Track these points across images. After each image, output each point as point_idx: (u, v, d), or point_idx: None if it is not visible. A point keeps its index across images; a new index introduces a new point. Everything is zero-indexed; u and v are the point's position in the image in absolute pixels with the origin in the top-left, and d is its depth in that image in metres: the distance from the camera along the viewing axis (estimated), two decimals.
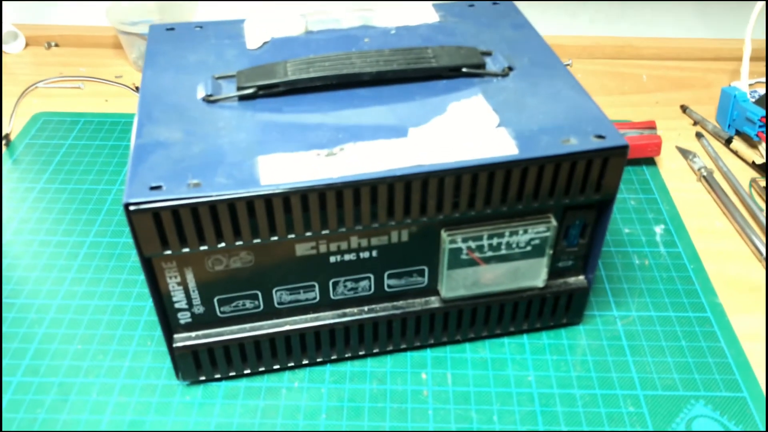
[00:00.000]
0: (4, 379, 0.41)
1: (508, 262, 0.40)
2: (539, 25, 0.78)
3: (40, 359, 0.43)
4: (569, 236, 0.40)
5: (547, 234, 0.39)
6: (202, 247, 0.34)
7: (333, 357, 0.42)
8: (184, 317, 0.38)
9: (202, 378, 0.41)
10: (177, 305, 0.38)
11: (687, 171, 0.60)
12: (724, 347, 0.44)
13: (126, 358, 0.43)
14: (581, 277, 0.43)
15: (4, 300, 0.47)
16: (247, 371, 0.41)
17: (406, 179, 0.34)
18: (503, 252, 0.39)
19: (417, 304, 0.41)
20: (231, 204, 0.33)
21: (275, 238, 0.35)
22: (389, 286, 0.40)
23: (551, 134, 0.36)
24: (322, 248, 0.37)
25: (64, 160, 0.60)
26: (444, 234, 0.38)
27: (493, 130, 0.36)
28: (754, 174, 0.59)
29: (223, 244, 0.35)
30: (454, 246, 0.38)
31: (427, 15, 0.47)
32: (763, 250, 0.51)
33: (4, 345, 0.43)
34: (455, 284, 0.40)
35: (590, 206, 0.39)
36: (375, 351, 0.42)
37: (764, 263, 0.50)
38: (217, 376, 0.41)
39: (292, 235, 0.35)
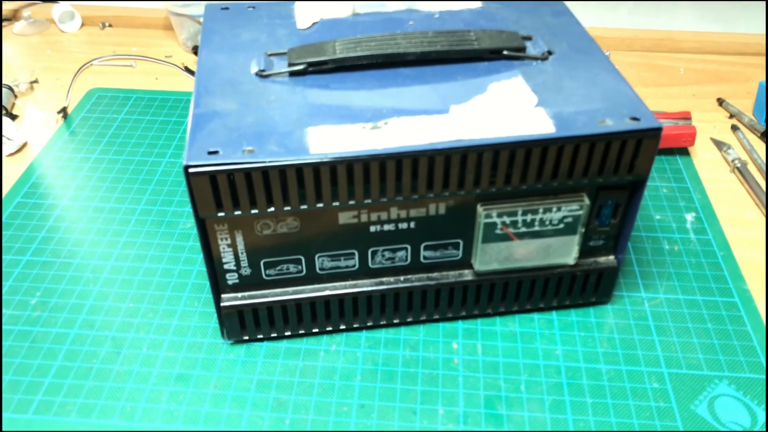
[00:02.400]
0: (63, 330, 0.44)
1: (541, 239, 0.41)
2: (579, 17, 0.78)
3: (95, 315, 0.46)
4: (601, 216, 0.42)
5: (580, 212, 0.40)
6: (253, 211, 0.37)
7: (369, 323, 0.44)
8: (232, 278, 0.41)
9: (246, 337, 0.43)
10: (226, 266, 0.40)
11: (721, 162, 0.61)
12: (750, 331, 0.45)
13: (174, 317, 0.46)
14: (611, 257, 0.44)
15: (62, 259, 0.50)
16: (288, 333, 0.44)
17: (446, 153, 0.36)
18: (536, 228, 0.41)
19: (451, 276, 0.43)
20: (282, 170, 0.35)
21: (321, 205, 0.37)
22: (425, 258, 0.42)
23: (587, 115, 0.38)
24: (363, 218, 0.39)
25: (117, 133, 0.63)
26: (480, 208, 0.40)
27: (531, 109, 0.38)
28: None
29: (272, 209, 0.37)
30: (489, 220, 0.40)
31: (470, 1, 0.49)
32: None
33: (63, 299, 0.47)
34: (488, 258, 0.42)
35: (623, 187, 0.40)
36: (409, 320, 0.44)
37: None
38: (260, 336, 0.43)
39: (336, 203, 0.37)
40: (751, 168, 0.60)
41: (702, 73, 0.74)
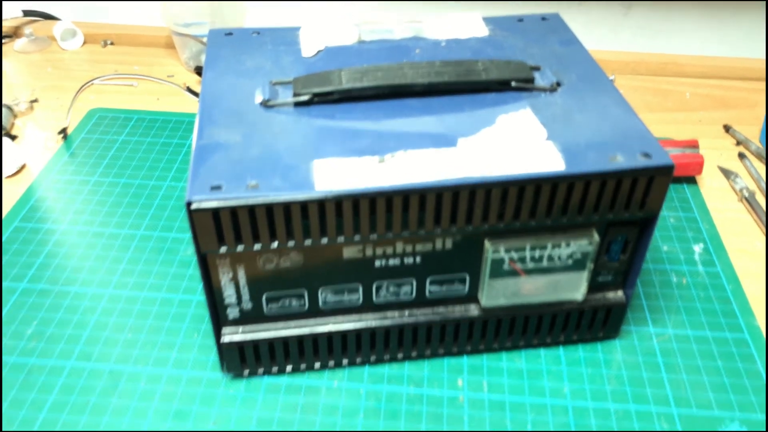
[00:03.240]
0: (59, 361, 0.43)
1: (549, 274, 0.41)
2: (582, 40, 0.77)
3: (93, 346, 0.45)
4: (611, 251, 0.41)
5: (589, 248, 0.39)
6: (256, 246, 0.36)
7: (373, 359, 0.43)
8: (232, 312, 0.40)
9: (246, 372, 0.42)
10: (227, 300, 0.39)
11: (728, 191, 0.60)
12: (761, 369, 0.44)
13: (173, 349, 0.45)
14: (620, 293, 0.43)
15: (60, 286, 0.49)
16: (290, 368, 0.43)
17: (454, 189, 0.35)
18: (545, 264, 0.40)
19: (457, 311, 0.42)
20: (286, 206, 0.34)
21: (325, 240, 0.36)
22: (430, 292, 0.41)
23: (598, 150, 0.37)
24: (369, 252, 0.38)
25: (117, 155, 0.62)
26: (488, 244, 0.39)
27: (541, 143, 0.37)
28: None
29: (276, 244, 0.36)
30: (497, 256, 0.39)
31: (477, 28, 0.48)
32: None
33: (60, 330, 0.46)
34: (496, 293, 0.41)
35: (633, 222, 0.39)
36: (414, 355, 0.43)
37: None
38: (261, 371, 0.42)
39: (342, 239, 0.36)
40: (759, 197, 0.59)
41: (708, 99, 0.73)
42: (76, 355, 0.44)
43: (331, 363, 0.43)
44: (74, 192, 0.58)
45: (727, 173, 0.62)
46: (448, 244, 0.39)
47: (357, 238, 0.37)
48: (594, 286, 0.43)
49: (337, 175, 0.35)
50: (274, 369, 0.42)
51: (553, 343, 0.45)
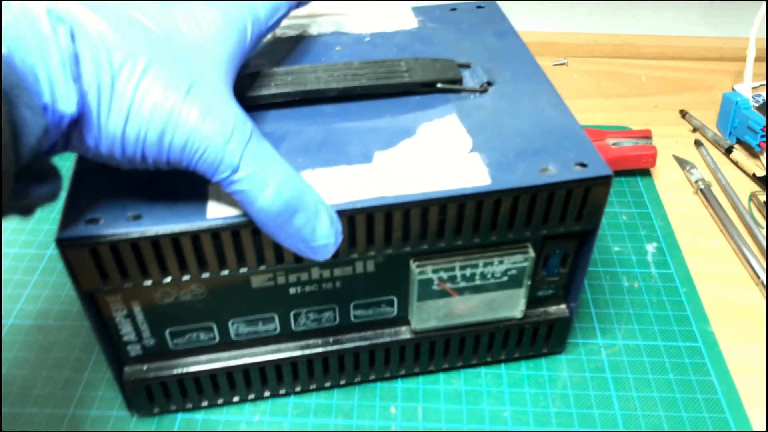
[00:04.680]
0: None
1: (484, 293, 0.37)
2: (535, 19, 0.74)
3: None
4: (549, 265, 0.38)
5: (525, 264, 0.36)
6: (147, 282, 0.32)
7: (297, 389, 0.40)
8: (134, 350, 0.36)
9: (156, 410, 0.38)
10: (126, 338, 0.35)
11: (684, 182, 0.57)
12: (715, 381, 0.41)
13: (79, 386, 0.40)
14: (562, 306, 0.40)
15: None
16: (205, 404, 0.39)
17: (367, 211, 0.31)
18: (477, 283, 0.36)
19: (386, 334, 0.38)
20: (175, 239, 0.30)
21: (226, 272, 0.32)
22: (356, 317, 0.38)
23: (529, 160, 0.33)
24: (281, 280, 0.35)
25: None
26: (413, 265, 0.35)
27: (465, 155, 0.33)
28: (754, 187, 0.56)
29: (168, 279, 0.32)
30: (424, 277, 0.35)
31: (406, 20, 0.44)
32: (762, 274, 0.47)
33: None
34: (426, 315, 0.38)
35: (571, 235, 0.36)
36: (342, 383, 0.40)
37: (763, 288, 0.47)
38: (173, 408, 0.39)
39: (244, 269, 0.32)
40: (716, 189, 0.56)
41: (664, 81, 0.70)
42: None
43: (252, 396, 0.39)
44: None
45: (682, 163, 0.59)
46: (370, 266, 0.35)
47: (262, 267, 0.33)
48: (534, 301, 0.39)
49: (233, 200, 0.31)
50: (188, 405, 0.39)
51: (493, 361, 0.42)
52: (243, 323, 0.36)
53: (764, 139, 0.57)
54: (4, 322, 0.44)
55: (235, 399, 0.39)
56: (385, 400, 0.40)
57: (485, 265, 0.36)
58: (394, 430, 0.39)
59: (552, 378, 0.41)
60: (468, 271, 0.36)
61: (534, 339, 0.41)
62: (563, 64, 0.71)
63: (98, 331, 0.34)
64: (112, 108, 0.26)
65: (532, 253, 0.36)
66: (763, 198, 0.54)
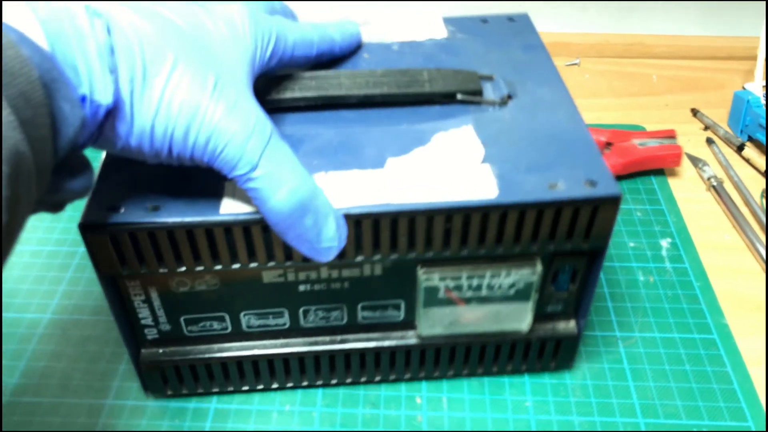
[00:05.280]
0: None
1: (490, 304, 0.38)
2: (547, 20, 0.74)
3: (31, 378, 0.42)
4: (558, 281, 0.38)
5: (533, 279, 0.36)
6: (162, 270, 0.34)
7: (304, 384, 0.41)
8: (150, 333, 0.38)
9: (170, 393, 0.40)
10: (143, 321, 0.37)
11: (696, 180, 0.58)
12: (730, 372, 0.42)
13: (116, 377, 0.42)
14: (571, 323, 0.40)
15: None
16: (215, 390, 0.40)
17: (374, 216, 0.32)
18: (484, 293, 0.37)
19: (393, 337, 0.39)
20: (189, 231, 0.32)
21: (237, 266, 0.34)
22: (363, 318, 0.39)
23: (539, 175, 0.33)
24: (291, 277, 0.36)
25: None
26: (420, 271, 0.36)
27: (476, 166, 0.34)
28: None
29: (183, 268, 0.34)
30: (430, 284, 0.36)
31: (436, 30, 0.45)
32: None
33: None
34: (432, 322, 0.38)
35: (581, 252, 0.36)
36: (348, 381, 0.41)
37: None
38: (185, 391, 0.40)
39: (255, 264, 0.34)
40: (728, 186, 0.56)
41: (675, 81, 0.70)
42: (11, 390, 0.41)
43: (260, 387, 0.41)
44: None
45: (695, 161, 0.59)
46: (378, 270, 0.36)
47: (272, 264, 0.34)
48: (542, 316, 0.39)
49: (247, 198, 0.32)
50: (200, 390, 0.40)
51: (499, 373, 0.42)
52: (254, 316, 0.38)
53: None
54: (41, 317, 0.45)
55: (245, 388, 0.41)
56: (411, 391, 0.41)
57: (492, 276, 0.36)
58: (420, 419, 0.40)
59: (571, 369, 0.42)
60: (475, 281, 0.36)
61: (541, 354, 0.41)
62: (575, 64, 0.72)
63: (118, 313, 0.36)
64: (144, 100, 0.27)
65: (540, 268, 0.36)
66: None
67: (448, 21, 0.46)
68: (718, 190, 0.55)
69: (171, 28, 0.29)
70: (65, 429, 0.39)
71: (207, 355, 0.38)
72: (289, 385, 0.41)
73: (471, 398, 0.41)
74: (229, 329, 0.38)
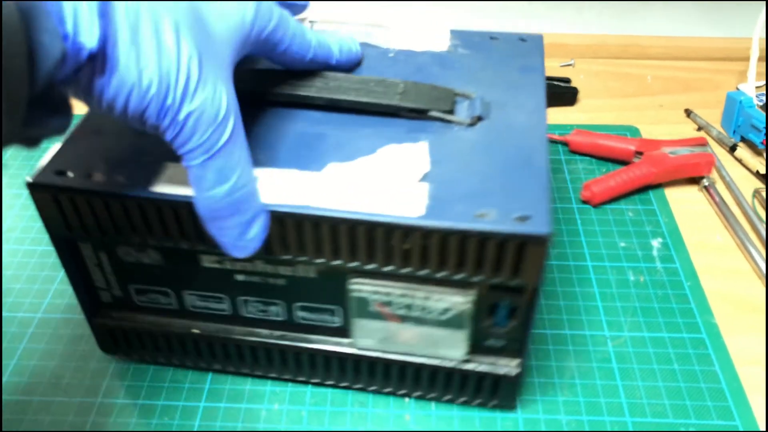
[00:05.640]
0: None
1: (424, 326, 0.37)
2: (543, 20, 0.74)
3: (20, 377, 0.42)
4: (497, 315, 0.36)
5: (465, 308, 0.35)
6: (102, 237, 0.35)
7: (244, 370, 0.42)
8: (105, 296, 0.40)
9: (120, 355, 0.42)
10: (97, 284, 0.39)
11: (689, 180, 0.57)
12: (718, 371, 0.42)
13: (106, 376, 0.42)
14: (514, 362, 0.38)
15: None
16: (162, 360, 0.42)
17: (296, 218, 0.32)
18: (418, 314, 0.36)
19: (329, 342, 0.39)
20: (123, 204, 0.34)
21: (170, 244, 0.35)
22: (302, 318, 0.39)
23: (474, 202, 0.32)
24: (228, 265, 0.37)
25: None
26: (351, 281, 0.35)
27: (413, 184, 0.33)
28: (758, 184, 0.56)
29: (120, 238, 0.35)
30: (360, 296, 0.36)
31: (438, 42, 0.44)
32: (764, 267, 0.48)
33: None
34: (365, 334, 0.38)
35: (518, 289, 0.34)
36: (286, 377, 0.41)
37: (765, 281, 0.48)
38: (135, 357, 0.42)
39: (186, 244, 0.35)
40: (720, 186, 0.56)
41: (670, 81, 0.70)
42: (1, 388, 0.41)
43: (203, 365, 0.42)
44: (6, 207, 0.54)
45: None
46: (312, 272, 0.36)
47: (201, 248, 0.35)
48: (482, 349, 0.38)
49: (183, 179, 0.33)
50: (147, 358, 0.42)
51: (436, 399, 0.41)
52: (196, 297, 0.39)
53: (767, 137, 0.57)
54: (33, 316, 0.46)
55: (188, 364, 0.42)
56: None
57: (425, 298, 0.35)
58: (408, 418, 0.40)
59: (560, 368, 0.42)
60: (407, 300, 0.35)
61: (479, 389, 0.39)
62: (570, 65, 0.72)
63: (72, 274, 0.38)
64: (129, 58, 0.26)
65: (472, 297, 0.35)
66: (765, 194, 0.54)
67: (456, 34, 0.45)
68: (710, 190, 0.55)
69: None
70: (55, 428, 0.39)
71: (155, 327, 0.40)
72: (230, 369, 0.42)
73: None
74: (175, 306, 0.40)
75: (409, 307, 0.36)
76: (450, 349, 0.37)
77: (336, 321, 0.38)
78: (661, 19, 0.73)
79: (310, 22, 0.46)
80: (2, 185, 0.56)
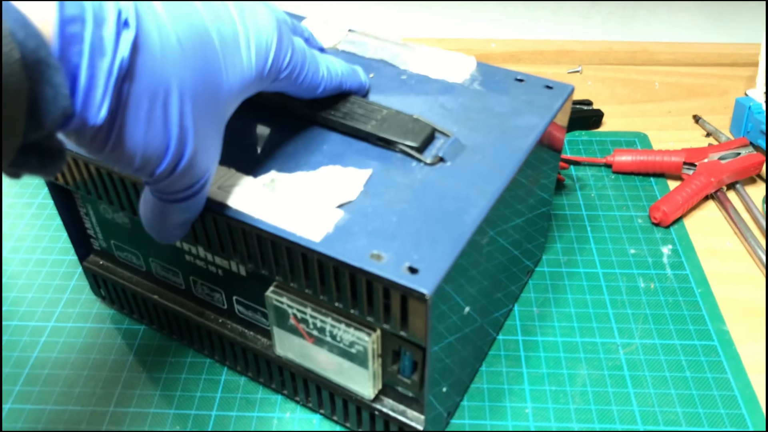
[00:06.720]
0: None
1: (334, 354, 0.36)
2: (551, 27, 0.73)
3: (33, 386, 0.42)
4: (402, 364, 0.34)
5: (367, 345, 0.34)
6: (87, 192, 0.39)
7: (195, 346, 0.44)
8: (95, 244, 0.44)
9: (103, 297, 0.46)
10: (88, 231, 0.44)
11: None
12: (731, 379, 0.41)
13: (118, 385, 0.42)
14: (421, 416, 0.36)
15: None
16: (135, 316, 0.45)
17: (213, 214, 0.33)
18: (328, 339, 0.35)
19: (261, 343, 0.40)
20: (86, 163, 0.37)
21: (124, 212, 0.38)
22: (240, 312, 0.40)
23: (377, 241, 0.31)
24: (178, 243, 0.39)
25: None
26: (271, 288, 0.36)
27: (329, 208, 0.33)
28: None
29: (89, 196, 0.39)
30: (278, 305, 0.36)
31: (457, 73, 0.42)
32: None
33: None
34: (286, 345, 0.38)
35: (418, 344, 0.32)
36: (227, 364, 0.43)
37: None
38: (115, 306, 0.46)
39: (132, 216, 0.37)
40: (729, 192, 0.55)
41: (677, 87, 0.68)
42: (12, 398, 0.41)
43: (165, 331, 0.44)
44: (16, 216, 0.54)
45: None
46: (242, 270, 0.37)
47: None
48: (395, 394, 0.36)
49: None
50: (124, 310, 0.46)
51: (349, 428, 0.39)
52: (159, 266, 0.42)
53: None
54: (45, 324, 0.46)
55: (154, 326, 0.45)
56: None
57: (333, 325, 0.34)
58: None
59: (572, 376, 0.42)
60: (318, 322, 0.35)
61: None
62: (578, 71, 0.71)
63: (65, 220, 0.43)
64: (133, 135, 0.26)
65: (374, 338, 0.33)
66: None
67: (481, 67, 0.43)
68: (719, 196, 0.54)
69: (186, 60, 0.27)
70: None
71: (128, 283, 0.44)
72: (184, 342, 0.44)
73: (470, 405, 0.40)
74: (144, 268, 0.43)
75: (321, 330, 0.35)
76: (359, 385, 0.36)
77: (267, 324, 0.39)
78: (668, 25, 0.72)
79: (349, 31, 0.46)
80: (2, 187, 0.56)
